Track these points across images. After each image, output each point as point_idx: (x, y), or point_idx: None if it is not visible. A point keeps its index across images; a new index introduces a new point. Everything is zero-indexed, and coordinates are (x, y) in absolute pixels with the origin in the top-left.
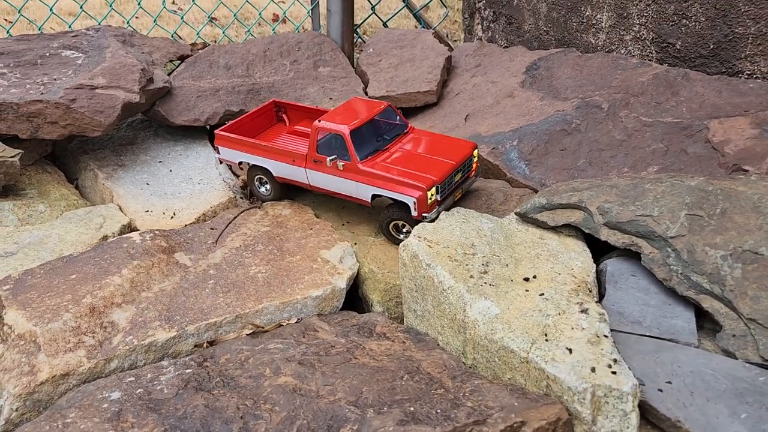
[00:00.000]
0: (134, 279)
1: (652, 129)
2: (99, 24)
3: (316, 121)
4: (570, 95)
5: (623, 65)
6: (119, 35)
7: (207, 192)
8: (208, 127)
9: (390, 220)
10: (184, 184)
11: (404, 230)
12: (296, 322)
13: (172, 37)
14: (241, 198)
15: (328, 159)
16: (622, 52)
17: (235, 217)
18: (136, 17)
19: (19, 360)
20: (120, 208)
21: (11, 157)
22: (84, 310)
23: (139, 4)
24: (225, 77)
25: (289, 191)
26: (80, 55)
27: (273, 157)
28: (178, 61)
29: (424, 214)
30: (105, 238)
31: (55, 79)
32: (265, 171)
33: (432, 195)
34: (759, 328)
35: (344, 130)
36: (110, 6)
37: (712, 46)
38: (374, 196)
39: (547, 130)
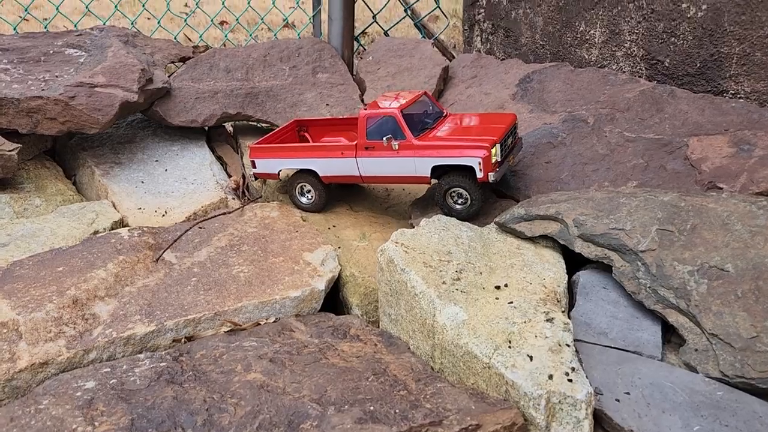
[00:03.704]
0: (119, 273)
1: (634, 144)
2: (104, 24)
3: (362, 109)
4: (558, 109)
5: (612, 81)
6: (122, 35)
7: (200, 192)
8: (205, 128)
9: (449, 188)
10: (178, 184)
11: (459, 201)
12: (274, 322)
13: (174, 39)
14: (233, 198)
15: (384, 138)
16: (614, 67)
17: (200, 221)
18: (147, 18)
19: (0, 347)
20: (113, 205)
21: (9, 150)
22: (67, 302)
23: (143, 5)
24: (224, 80)
25: (331, 199)
26: (83, 53)
27: (319, 155)
28: (180, 63)
29: (489, 174)
30: (96, 233)
31: (56, 76)
32: (309, 175)
33: (495, 153)
34: (720, 344)
35: (395, 111)
36: (115, 7)
37: (698, 65)
38: (435, 169)
39: (533, 142)
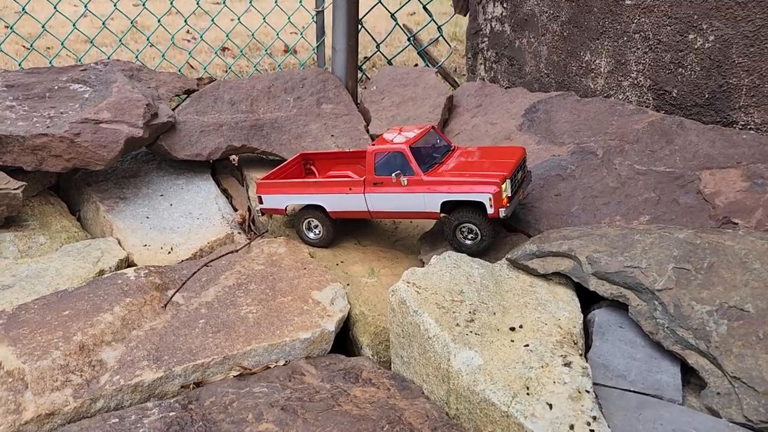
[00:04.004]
0: (126, 317)
1: (645, 177)
2: (108, 58)
3: (369, 145)
4: (566, 140)
5: (620, 111)
6: (127, 70)
7: (205, 227)
8: (210, 161)
9: (458, 223)
10: (183, 219)
11: (470, 237)
12: (284, 365)
13: (179, 70)
14: (239, 233)
15: (393, 174)
16: (620, 97)
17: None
18: (150, 45)
19: (6, 398)
20: (119, 242)
21: (14, 189)
22: (74, 348)
23: (147, 39)
24: (229, 113)
25: (338, 233)
26: (88, 89)
27: (327, 191)
28: (185, 95)
29: (500, 209)
30: (102, 272)
31: (61, 113)
32: (317, 211)
33: (506, 188)
34: (743, 387)
35: (403, 147)
36: (119, 40)
37: (707, 96)
38: (444, 204)
39: (542, 174)
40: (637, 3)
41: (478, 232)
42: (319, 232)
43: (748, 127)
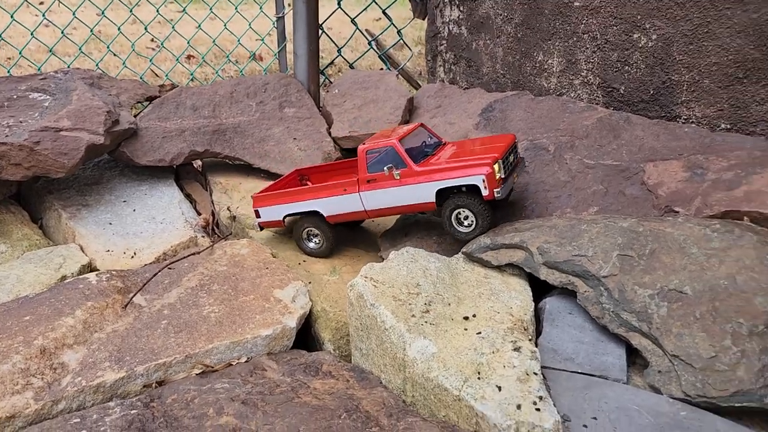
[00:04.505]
0: (87, 320)
1: (593, 171)
2: (68, 66)
3: (361, 145)
4: (520, 137)
5: (571, 108)
6: (87, 78)
7: (169, 231)
8: (173, 166)
9: (455, 207)
10: (147, 224)
11: (466, 223)
12: (246, 361)
13: (141, 77)
14: (203, 236)
15: (385, 167)
16: (572, 95)
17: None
18: (114, 55)
19: None
20: (81, 248)
21: None
22: (34, 352)
23: (108, 47)
24: (191, 118)
25: (338, 242)
26: (47, 97)
27: (322, 195)
28: (147, 102)
29: (495, 190)
30: (64, 278)
31: (21, 122)
32: (314, 218)
33: (498, 169)
34: (682, 364)
35: (394, 141)
36: (80, 49)
37: (652, 92)
38: (439, 193)
39: None
40: (585, 4)
41: (475, 218)
42: (319, 240)
43: (690, 120)
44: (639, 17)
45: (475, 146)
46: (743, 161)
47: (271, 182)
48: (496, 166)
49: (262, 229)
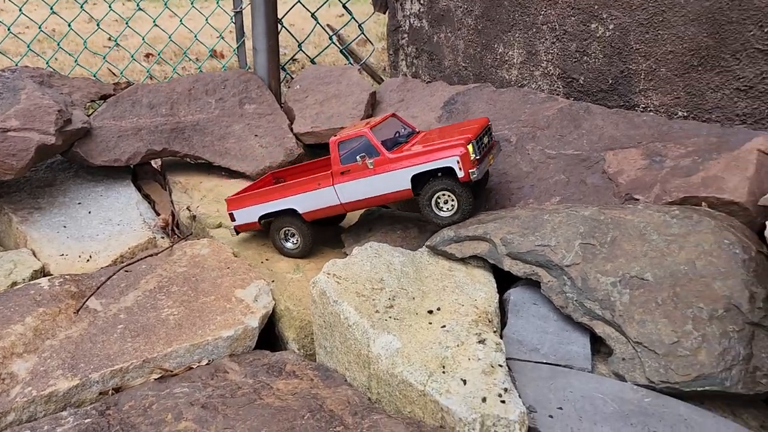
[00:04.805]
0: (38, 327)
1: (555, 161)
2: (17, 65)
3: (332, 137)
4: None
5: (532, 99)
6: (36, 76)
7: (126, 233)
8: (131, 166)
9: (433, 193)
10: (103, 226)
11: (446, 207)
12: (207, 364)
13: (94, 75)
14: (162, 237)
15: (358, 157)
16: (533, 86)
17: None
18: (68, 54)
19: None
20: (33, 253)
21: None
22: None
23: (58, 44)
24: (148, 116)
25: (316, 241)
26: None
27: (297, 191)
28: (101, 101)
29: (470, 171)
30: (14, 284)
31: None
32: (291, 216)
33: (473, 150)
34: (645, 351)
35: (365, 130)
36: (28, 46)
37: (611, 81)
38: (414, 178)
39: None
40: None
41: (456, 200)
42: (297, 240)
43: (648, 109)
44: (596, 7)
45: (448, 131)
46: (700, 148)
47: (244, 186)
48: (470, 147)
49: (238, 233)
